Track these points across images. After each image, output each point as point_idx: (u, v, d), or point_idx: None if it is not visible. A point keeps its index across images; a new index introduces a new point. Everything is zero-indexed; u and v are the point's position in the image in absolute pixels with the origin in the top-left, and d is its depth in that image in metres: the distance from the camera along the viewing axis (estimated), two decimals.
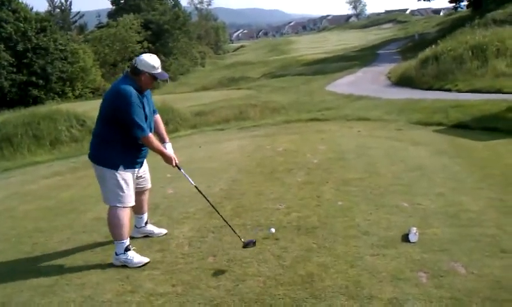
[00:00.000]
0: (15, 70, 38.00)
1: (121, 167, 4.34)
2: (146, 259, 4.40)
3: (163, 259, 4.43)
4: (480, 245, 4.16)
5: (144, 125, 4.30)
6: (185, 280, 3.96)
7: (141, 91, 4.33)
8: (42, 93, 38.46)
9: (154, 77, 4.38)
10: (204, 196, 4.81)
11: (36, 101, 35.37)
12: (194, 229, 5.10)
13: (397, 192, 5.73)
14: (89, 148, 4.55)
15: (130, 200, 4.45)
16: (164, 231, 5.07)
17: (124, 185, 4.36)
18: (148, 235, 5.00)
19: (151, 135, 4.40)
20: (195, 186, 4.79)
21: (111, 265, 4.42)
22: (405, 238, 4.41)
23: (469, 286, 3.50)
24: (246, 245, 4.39)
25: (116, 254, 4.41)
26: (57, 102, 31.95)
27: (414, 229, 4.45)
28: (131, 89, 4.22)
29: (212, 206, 4.84)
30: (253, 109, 16.83)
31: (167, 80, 4.60)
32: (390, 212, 5.11)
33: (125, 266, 4.35)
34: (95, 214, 5.93)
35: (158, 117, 4.79)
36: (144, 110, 4.34)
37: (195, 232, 5.02)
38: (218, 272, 4.05)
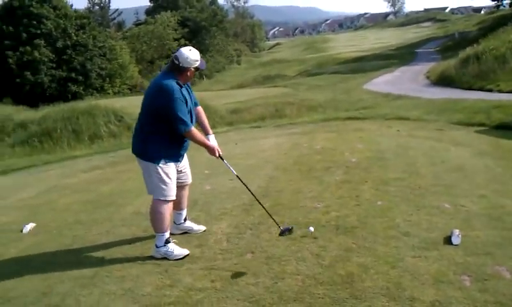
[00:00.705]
0: (54, 65, 38.91)
1: (163, 161, 4.38)
2: (186, 251, 4.45)
3: (202, 255, 4.44)
4: None
5: (188, 120, 4.34)
6: (223, 276, 3.97)
7: (181, 85, 4.36)
8: (81, 88, 39.29)
9: (196, 69, 4.44)
10: (246, 186, 4.85)
11: (75, 96, 36.10)
12: (232, 226, 5.10)
13: (438, 193, 5.60)
14: (132, 142, 4.60)
15: (172, 193, 4.48)
16: (202, 228, 5.08)
17: (166, 179, 4.41)
18: (186, 232, 5.02)
19: (193, 128, 4.43)
20: (237, 176, 4.82)
21: (150, 258, 4.46)
22: (447, 240, 4.30)
23: None
24: (282, 232, 4.45)
25: (157, 247, 4.45)
26: (96, 98, 32.54)
27: (457, 232, 4.34)
28: (173, 84, 4.26)
29: (254, 195, 4.88)
30: (289, 106, 16.79)
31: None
32: (431, 213, 5.00)
33: (164, 259, 4.40)
34: (134, 208, 6.01)
35: (200, 109, 4.81)
36: (186, 104, 4.37)
37: (233, 228, 5.02)
38: (256, 269, 4.03)
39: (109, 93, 41.34)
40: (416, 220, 4.83)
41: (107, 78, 43.09)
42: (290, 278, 3.83)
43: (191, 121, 4.44)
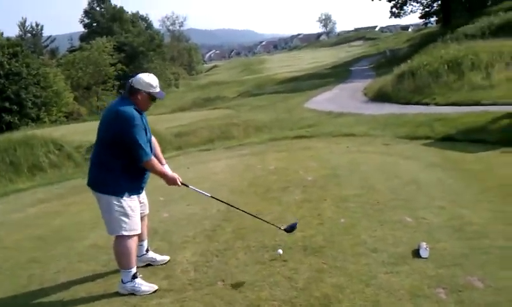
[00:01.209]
0: None
1: (126, 194, 4.17)
2: (155, 287, 4.25)
3: (170, 287, 4.27)
4: (491, 258, 4.14)
5: (148, 148, 4.17)
6: None
7: (140, 112, 4.17)
8: (16, 118, 37.72)
9: (152, 97, 4.24)
10: (226, 203, 5.03)
11: (10, 127, 34.64)
12: (197, 254, 4.95)
13: (397, 207, 5.69)
14: (89, 175, 4.34)
15: (137, 227, 4.28)
16: (166, 258, 4.89)
17: (130, 212, 4.20)
18: (150, 263, 4.82)
19: (153, 158, 4.26)
20: (211, 196, 4.79)
21: (116, 295, 4.24)
22: (416, 253, 4.35)
23: (489, 300, 3.47)
24: (289, 230, 4.65)
25: (123, 282, 4.24)
26: (32, 128, 31.31)
27: (424, 244, 4.40)
28: (133, 111, 4.07)
29: (240, 209, 5.04)
30: (234, 127, 16.72)
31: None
32: (395, 227, 5.06)
33: (131, 294, 4.19)
34: (90, 241, 5.73)
35: (154, 139, 4.59)
36: (146, 132, 4.20)
37: (199, 256, 4.87)
38: (231, 298, 3.91)
39: (45, 122, 39.91)
40: (381, 235, 4.87)
41: (43, 107, 41.66)
42: (266, 304, 3.76)
43: (151, 151, 4.27)
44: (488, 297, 3.50)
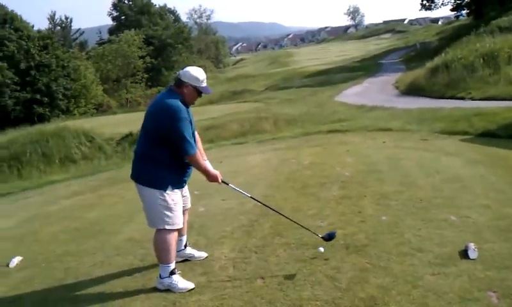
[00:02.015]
0: (18, 88, 37.95)
1: (169, 187, 4.10)
2: (191, 285, 4.15)
3: (209, 284, 4.17)
4: None
5: (193, 142, 4.09)
6: (237, 306, 3.72)
7: (187, 105, 4.11)
8: (47, 110, 38.42)
9: (198, 91, 4.17)
10: (264, 204, 4.96)
11: (41, 118, 35.28)
12: (235, 250, 4.85)
13: (441, 205, 5.49)
14: (132, 167, 4.27)
15: (179, 221, 4.21)
16: (204, 254, 4.81)
17: (173, 206, 4.13)
18: (187, 259, 4.74)
19: (198, 153, 4.19)
20: (251, 197, 4.76)
21: (154, 291, 4.16)
22: (463, 254, 4.17)
23: None
24: (327, 239, 4.55)
25: (161, 277, 4.17)
26: (63, 119, 31.78)
27: (472, 245, 4.21)
28: (179, 104, 4.00)
29: (275, 210, 4.97)
30: (265, 121, 16.65)
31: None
32: (440, 226, 4.87)
33: (169, 290, 4.11)
34: (126, 235, 5.68)
35: (196, 134, 4.51)
36: (191, 127, 4.13)
37: (237, 253, 4.77)
38: (271, 297, 3.79)
39: (74, 114, 40.49)
40: (426, 234, 4.69)
41: (72, 99, 42.27)
42: (308, 305, 3.63)
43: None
44: None
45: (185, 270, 4.48)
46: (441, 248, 4.35)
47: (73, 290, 4.43)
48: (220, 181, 4.38)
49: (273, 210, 4.94)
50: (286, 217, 4.85)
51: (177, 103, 4.00)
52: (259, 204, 5.96)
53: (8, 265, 5.30)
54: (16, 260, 5.37)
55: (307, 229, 4.73)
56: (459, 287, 3.63)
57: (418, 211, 5.38)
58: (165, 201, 4.08)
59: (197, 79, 4.12)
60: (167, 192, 4.08)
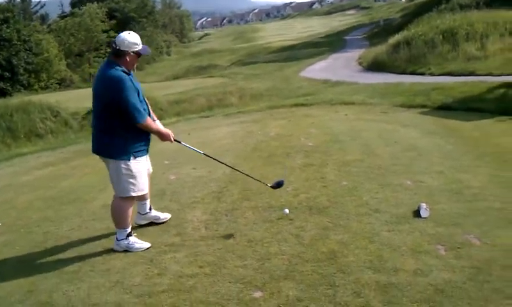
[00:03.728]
0: None
1: (131, 156, 4.28)
2: (147, 244, 4.45)
3: (183, 243, 4.48)
4: (488, 218, 4.37)
5: (142, 109, 4.23)
6: (210, 261, 4.03)
7: (128, 73, 4.21)
8: (8, 85, 37.42)
9: (138, 54, 4.28)
10: (216, 160, 5.19)
11: (3, 93, 34.39)
12: (207, 213, 5.16)
13: (398, 172, 5.89)
14: (93, 142, 4.40)
15: (145, 187, 4.47)
16: (168, 215, 5.08)
17: (137, 174, 4.33)
18: (153, 221, 4.99)
19: (148, 118, 4.33)
20: (204, 153, 4.99)
21: None
22: (416, 214, 4.57)
23: (486, 256, 3.68)
24: (276, 186, 4.91)
25: (117, 240, 4.44)
26: (25, 94, 31.13)
27: (424, 205, 4.62)
28: (121, 74, 4.11)
29: (230, 166, 5.38)
30: (232, 96, 16.85)
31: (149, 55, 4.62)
32: (396, 190, 5.27)
33: (126, 251, 4.42)
34: (101, 202, 5.89)
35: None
36: (138, 93, 4.26)
37: (208, 215, 5.09)
38: (242, 253, 4.13)
39: (36, 89, 39.61)
40: (383, 197, 5.09)
41: (33, 74, 41.29)
42: (276, 258, 3.96)
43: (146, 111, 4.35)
44: (485, 253, 3.73)
45: (159, 231, 4.79)
46: (396, 209, 4.75)
47: (54, 252, 4.65)
48: (173, 140, 4.56)
49: (227, 165, 5.39)
50: (240, 172, 5.32)
51: (119, 73, 4.10)
52: (227, 172, 6.30)
53: None
54: None
55: (258, 180, 5.13)
56: (412, 241, 4.02)
57: (376, 177, 5.77)
58: (129, 170, 4.28)
59: (135, 44, 4.22)
60: (130, 161, 4.27)
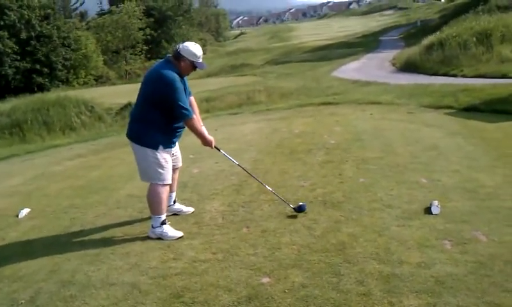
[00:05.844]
0: (19, 57, 38.04)
1: (161, 147, 4.56)
2: (180, 233, 4.66)
3: (200, 231, 4.69)
4: (498, 217, 4.43)
5: (189, 108, 4.54)
6: (224, 248, 4.23)
7: (181, 75, 4.53)
8: (47, 80, 38.56)
9: (194, 66, 4.58)
10: (247, 171, 5.40)
11: (41, 88, 35.47)
12: (224, 204, 5.37)
13: (415, 170, 5.98)
14: (129, 127, 4.73)
15: (169, 177, 4.69)
16: (191, 209, 5.31)
17: (164, 164, 4.60)
18: (176, 213, 5.23)
19: (195, 117, 4.65)
20: (238, 165, 5.28)
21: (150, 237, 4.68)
22: (427, 210, 4.67)
23: (491, 252, 3.76)
24: (297, 210, 4.88)
25: (153, 227, 4.67)
26: (63, 90, 32.06)
27: (436, 202, 4.71)
28: (174, 75, 4.42)
29: (257, 179, 5.42)
30: (261, 94, 17.03)
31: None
32: (411, 187, 5.37)
33: (160, 238, 4.63)
34: (126, 192, 6.18)
35: (193, 99, 4.95)
36: (186, 95, 4.56)
37: (226, 207, 5.29)
38: (254, 242, 4.31)
39: (74, 85, 40.66)
40: (397, 194, 5.19)
41: (72, 70, 42.40)
42: (286, 248, 4.12)
43: None
44: (490, 249, 3.81)
45: (179, 220, 5.02)
46: (409, 205, 4.85)
47: (78, 236, 4.94)
48: (213, 146, 4.88)
49: (256, 178, 5.43)
50: (263, 185, 5.33)
51: (172, 74, 4.42)
52: (248, 167, 6.47)
53: (17, 216, 5.80)
54: (25, 212, 5.87)
55: (280, 198, 5.14)
56: (420, 236, 4.13)
57: (393, 174, 5.87)
58: (156, 159, 4.55)
59: (195, 55, 4.53)
60: (159, 151, 4.56)
